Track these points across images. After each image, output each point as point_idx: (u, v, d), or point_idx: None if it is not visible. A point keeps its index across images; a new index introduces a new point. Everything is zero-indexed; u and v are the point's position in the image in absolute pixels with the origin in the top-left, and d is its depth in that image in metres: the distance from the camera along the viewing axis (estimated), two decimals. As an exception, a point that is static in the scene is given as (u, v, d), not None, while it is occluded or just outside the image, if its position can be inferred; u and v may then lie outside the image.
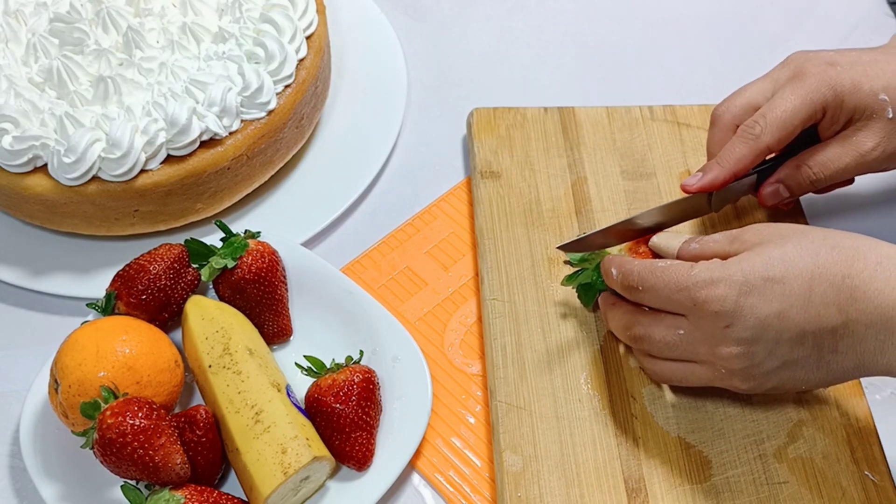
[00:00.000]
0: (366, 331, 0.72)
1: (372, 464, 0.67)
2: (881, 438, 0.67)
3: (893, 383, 0.72)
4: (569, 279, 0.72)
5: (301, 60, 0.81)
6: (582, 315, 0.74)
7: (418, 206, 0.83)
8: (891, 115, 0.67)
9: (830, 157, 0.69)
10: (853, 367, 0.59)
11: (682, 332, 0.62)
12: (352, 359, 0.69)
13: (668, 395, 0.70)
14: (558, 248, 0.70)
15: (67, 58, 0.77)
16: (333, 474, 0.67)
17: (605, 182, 0.81)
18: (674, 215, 0.70)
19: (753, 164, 0.69)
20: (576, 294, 0.73)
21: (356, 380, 0.67)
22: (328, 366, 0.68)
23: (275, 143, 0.80)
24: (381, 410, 0.68)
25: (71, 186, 0.74)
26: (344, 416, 0.66)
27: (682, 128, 0.85)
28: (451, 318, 0.77)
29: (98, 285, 0.76)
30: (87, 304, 0.71)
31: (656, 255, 0.67)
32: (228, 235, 0.72)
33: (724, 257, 0.61)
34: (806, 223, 0.79)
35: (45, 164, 0.74)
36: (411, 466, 0.69)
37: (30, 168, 0.75)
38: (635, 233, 0.69)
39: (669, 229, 0.69)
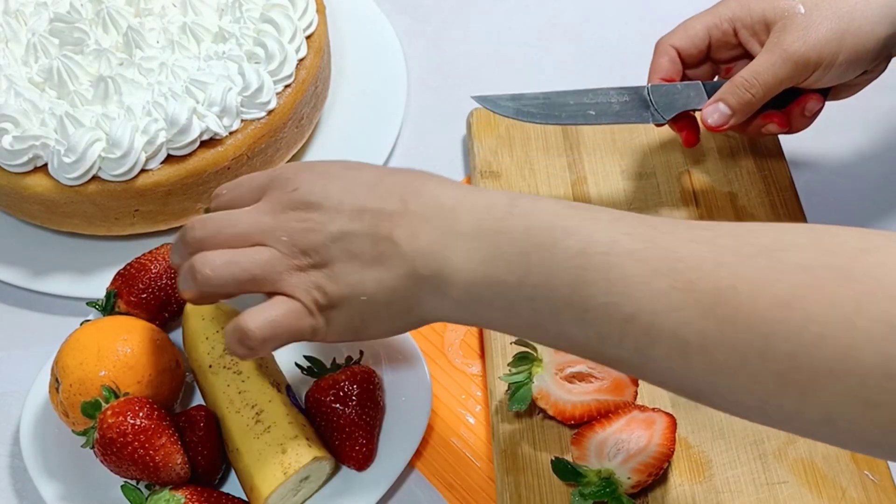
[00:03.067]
0: (366, 331, 0.72)
1: (372, 464, 0.67)
2: (881, 438, 0.67)
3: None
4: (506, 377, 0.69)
5: (301, 60, 0.81)
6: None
7: (418, 206, 0.83)
8: (802, 11, 0.68)
9: (759, 61, 0.70)
10: (411, 272, 0.53)
11: (249, 209, 0.58)
12: (352, 359, 0.69)
13: (668, 395, 0.70)
14: (473, 97, 0.74)
15: (67, 58, 0.77)
16: (333, 474, 0.67)
17: (604, 182, 0.82)
18: (613, 111, 0.73)
19: (669, 64, 0.72)
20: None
21: (356, 380, 0.67)
22: (328, 366, 0.68)
23: (275, 142, 0.80)
24: (381, 410, 0.68)
25: (71, 186, 0.74)
26: (344, 416, 0.66)
27: (681, 128, 0.84)
28: (451, 318, 0.77)
29: (98, 285, 0.76)
30: (87, 303, 0.71)
31: None
32: None
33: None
34: (805, 221, 0.79)
35: (46, 164, 0.74)
36: (411, 466, 0.69)
37: (30, 168, 0.75)
38: (567, 116, 0.73)
39: None
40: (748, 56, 0.73)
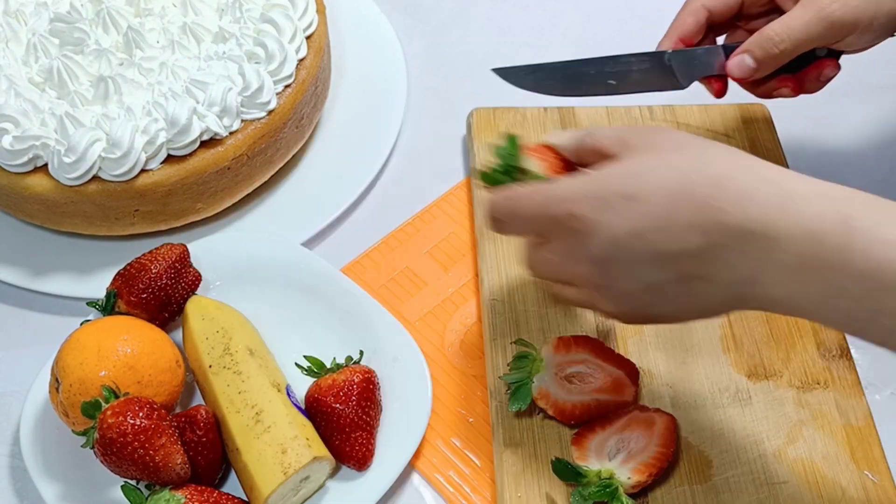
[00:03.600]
0: (366, 331, 0.72)
1: (372, 464, 0.67)
2: (881, 438, 0.67)
3: (893, 383, 0.72)
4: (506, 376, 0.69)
5: (301, 60, 0.81)
6: (582, 316, 0.74)
7: (418, 206, 0.83)
8: None
9: (792, 17, 0.68)
10: (728, 297, 0.53)
11: (553, 255, 0.57)
12: (352, 359, 0.69)
13: (668, 395, 0.70)
14: (494, 69, 0.72)
15: (68, 58, 0.77)
16: (333, 474, 0.67)
17: (605, 182, 0.81)
18: (633, 80, 0.71)
19: (694, 26, 0.71)
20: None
21: (356, 380, 0.67)
22: (328, 366, 0.68)
23: (275, 142, 0.80)
24: (381, 410, 0.68)
25: (71, 186, 0.74)
26: (344, 416, 0.66)
27: (681, 128, 0.84)
28: (451, 319, 0.77)
29: (98, 285, 0.76)
30: (87, 303, 0.71)
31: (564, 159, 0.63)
32: None
33: (610, 158, 0.56)
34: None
35: (46, 164, 0.74)
36: (411, 466, 0.69)
37: (30, 168, 0.75)
38: (587, 86, 0.71)
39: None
40: (777, 13, 0.71)
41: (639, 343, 0.72)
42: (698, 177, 0.51)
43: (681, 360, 0.71)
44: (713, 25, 0.73)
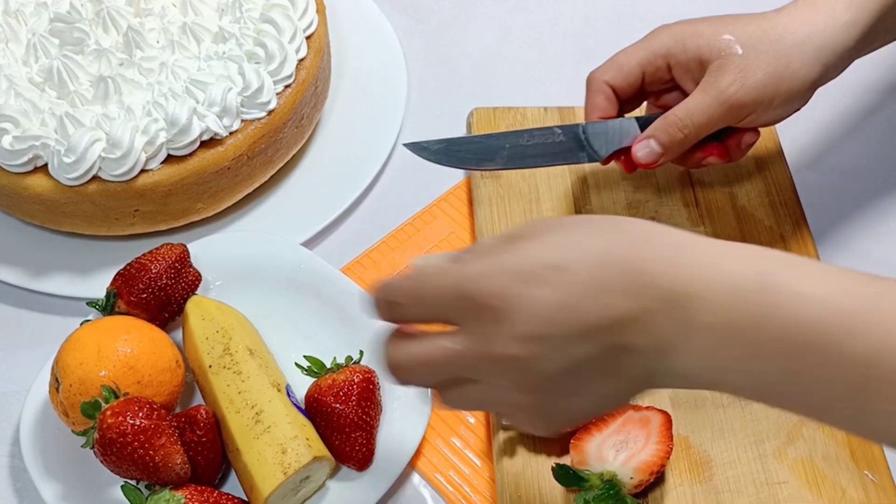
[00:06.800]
0: (366, 331, 0.72)
1: (372, 464, 0.67)
2: (881, 438, 0.68)
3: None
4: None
5: (301, 60, 0.81)
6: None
7: (418, 206, 0.83)
8: (740, 52, 0.67)
9: (693, 101, 0.68)
10: (647, 371, 0.49)
11: (454, 346, 0.50)
12: (352, 359, 0.69)
13: (668, 395, 0.70)
14: (405, 144, 0.72)
15: (67, 58, 0.77)
16: (333, 474, 0.67)
17: (604, 182, 0.81)
18: (550, 152, 0.71)
19: (606, 102, 0.71)
20: None
21: (356, 380, 0.67)
22: (328, 366, 0.68)
23: (275, 143, 0.80)
24: (381, 410, 0.68)
25: (71, 186, 0.74)
26: (344, 416, 0.66)
27: (681, 128, 0.84)
28: (451, 318, 0.76)
29: (98, 285, 0.76)
30: (87, 303, 0.71)
31: None
32: None
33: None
34: (805, 221, 0.79)
35: (46, 164, 0.74)
36: (411, 466, 0.69)
37: (30, 168, 0.75)
38: (504, 161, 0.71)
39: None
40: (681, 89, 0.71)
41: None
42: (620, 243, 0.49)
43: (681, 360, 0.71)
44: (621, 101, 0.73)
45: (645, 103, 0.75)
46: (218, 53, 0.79)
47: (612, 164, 0.75)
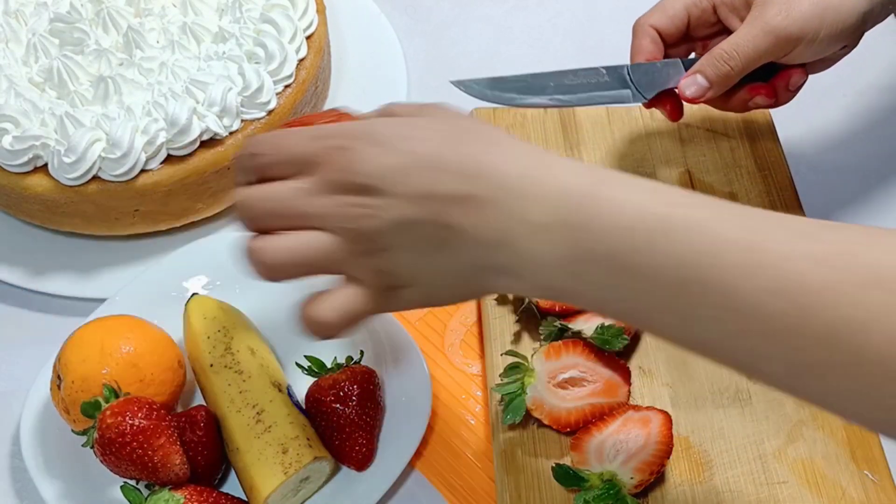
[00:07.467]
0: (366, 331, 0.72)
1: (372, 464, 0.67)
2: (881, 438, 0.67)
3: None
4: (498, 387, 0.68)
5: (301, 60, 0.81)
6: (582, 315, 0.74)
7: (418, 206, 0.83)
8: None
9: (740, 34, 0.69)
10: (477, 262, 0.50)
11: (300, 186, 0.53)
12: (352, 359, 0.69)
13: (668, 395, 0.70)
14: (451, 82, 0.72)
15: (67, 58, 0.77)
16: (333, 474, 0.67)
17: (605, 182, 0.81)
18: (589, 91, 0.72)
19: (652, 45, 0.72)
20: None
21: (356, 380, 0.67)
22: (328, 366, 0.68)
23: (275, 143, 0.80)
24: (381, 410, 0.68)
25: (71, 186, 0.74)
26: (344, 416, 0.66)
27: (681, 128, 0.84)
28: (451, 318, 0.77)
29: (98, 285, 0.76)
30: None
31: None
32: None
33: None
34: (804, 214, 0.79)
35: (46, 164, 0.74)
36: (411, 466, 0.69)
37: (30, 168, 0.75)
38: (548, 98, 0.71)
39: None
40: (727, 32, 0.72)
41: (639, 343, 0.72)
42: (472, 133, 0.52)
43: (681, 360, 0.71)
44: (666, 44, 0.74)
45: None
46: (218, 53, 0.79)
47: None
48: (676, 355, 0.72)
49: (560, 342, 0.68)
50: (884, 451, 0.67)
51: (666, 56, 0.74)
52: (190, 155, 0.76)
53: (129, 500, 0.61)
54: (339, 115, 0.62)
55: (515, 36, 0.97)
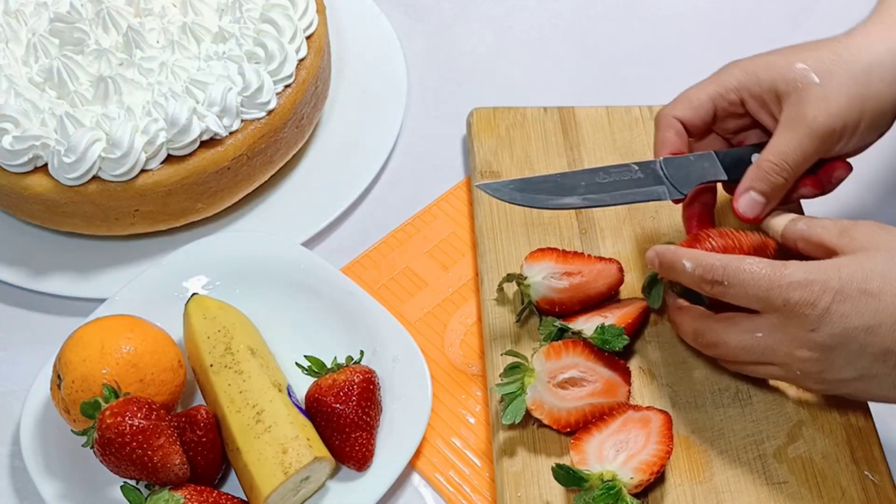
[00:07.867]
0: (366, 331, 0.72)
1: (372, 464, 0.67)
2: (881, 438, 0.67)
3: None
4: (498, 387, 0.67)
5: (301, 60, 0.81)
6: (582, 315, 0.74)
7: (418, 206, 0.84)
8: (817, 80, 0.65)
9: (783, 142, 0.66)
10: None
11: (760, 334, 0.61)
12: (352, 359, 0.69)
13: (668, 395, 0.70)
14: (478, 185, 0.71)
15: (67, 58, 0.77)
16: (333, 474, 0.67)
17: (605, 182, 0.81)
18: (622, 189, 0.69)
19: (677, 137, 0.69)
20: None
21: (356, 380, 0.67)
22: (328, 366, 0.68)
23: (275, 142, 0.80)
24: (381, 410, 0.68)
25: (71, 186, 0.74)
26: (344, 416, 0.66)
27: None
28: (451, 318, 0.77)
29: (98, 285, 0.76)
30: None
31: (730, 243, 0.67)
32: None
33: (828, 249, 0.62)
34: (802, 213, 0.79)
35: (46, 164, 0.74)
36: (411, 466, 0.69)
37: (30, 168, 0.75)
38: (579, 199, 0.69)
39: (776, 212, 0.68)
40: (756, 126, 0.70)
41: (639, 343, 0.72)
42: None
43: (681, 360, 0.71)
44: (690, 136, 0.71)
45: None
46: (218, 53, 0.79)
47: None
48: (676, 355, 0.72)
49: (560, 342, 0.67)
50: (884, 452, 0.67)
51: (690, 147, 0.71)
52: (190, 155, 0.76)
53: (128, 500, 0.61)
54: (763, 242, 0.68)
55: (515, 36, 0.97)
